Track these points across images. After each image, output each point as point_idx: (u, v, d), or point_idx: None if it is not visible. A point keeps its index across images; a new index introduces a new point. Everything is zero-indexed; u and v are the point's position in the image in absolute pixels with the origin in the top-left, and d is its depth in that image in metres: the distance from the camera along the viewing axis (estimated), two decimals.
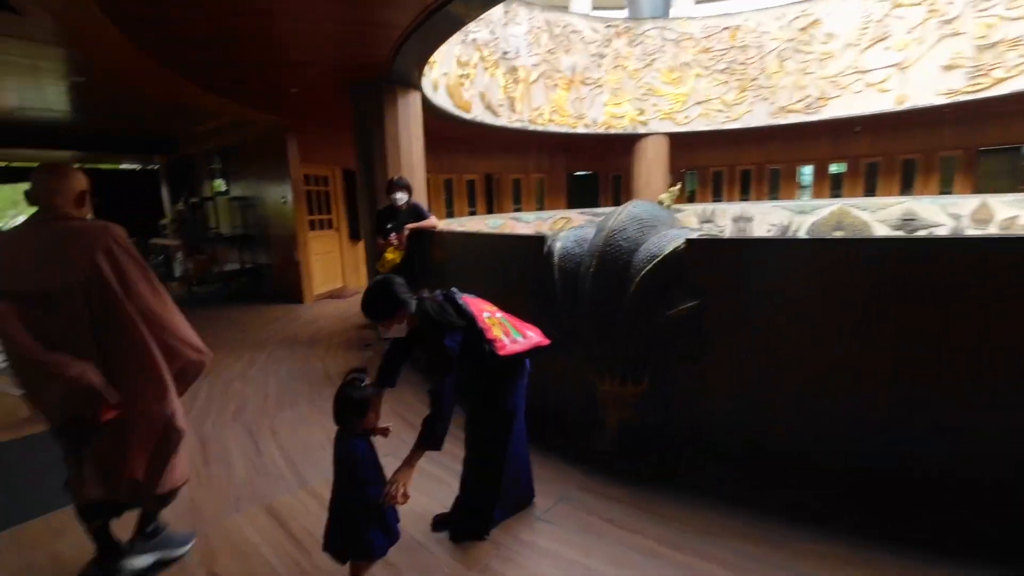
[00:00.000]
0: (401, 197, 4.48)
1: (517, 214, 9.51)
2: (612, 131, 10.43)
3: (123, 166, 11.52)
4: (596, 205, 12.47)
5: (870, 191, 10.54)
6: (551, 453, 2.84)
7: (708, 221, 9.50)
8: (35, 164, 9.57)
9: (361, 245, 9.00)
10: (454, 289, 2.16)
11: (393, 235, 4.40)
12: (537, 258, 3.06)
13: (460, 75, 7.80)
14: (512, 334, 2.10)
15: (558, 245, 2.97)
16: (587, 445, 2.88)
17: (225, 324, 6.52)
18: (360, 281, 9.03)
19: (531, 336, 2.16)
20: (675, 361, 2.65)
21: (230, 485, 2.67)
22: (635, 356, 2.67)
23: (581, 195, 13.10)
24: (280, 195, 7.59)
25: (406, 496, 1.78)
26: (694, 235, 2.59)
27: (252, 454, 3.01)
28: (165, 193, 10.39)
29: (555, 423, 3.13)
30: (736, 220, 9.38)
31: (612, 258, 2.63)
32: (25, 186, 1.89)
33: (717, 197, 11.92)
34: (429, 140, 5.98)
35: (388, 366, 2.12)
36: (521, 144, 11.61)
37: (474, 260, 3.91)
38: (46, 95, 6.35)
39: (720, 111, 10.23)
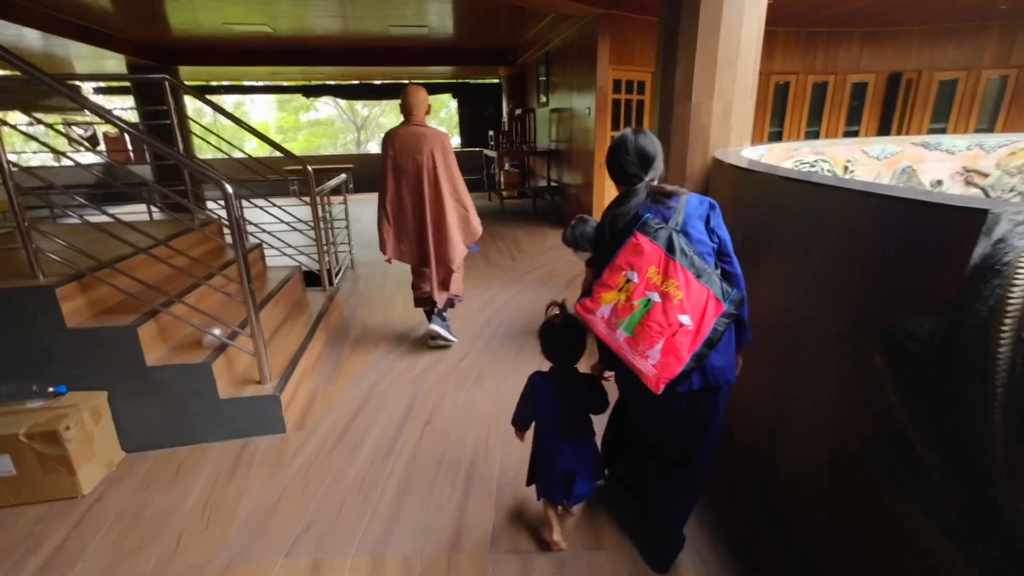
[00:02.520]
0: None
1: (934, 138, 5.84)
2: None
3: (484, 80, 12.70)
4: None
5: None
6: None
7: None
8: (410, 81, 11.35)
9: None
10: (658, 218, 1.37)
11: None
12: (937, 259, 1.06)
13: None
14: (622, 323, 1.30)
15: None
16: None
17: (506, 243, 6.27)
18: None
19: (640, 354, 1.28)
20: None
21: (323, 498, 2.01)
22: None
23: None
24: (586, 105, 6.59)
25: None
26: None
27: (384, 445, 2.31)
28: (504, 105, 10.92)
29: None
30: None
31: None
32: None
33: None
34: (791, 25, 3.72)
35: None
36: (970, 20, 7.03)
37: (784, 231, 1.96)
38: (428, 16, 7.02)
39: None
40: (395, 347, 3.38)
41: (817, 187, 1.71)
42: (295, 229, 3.86)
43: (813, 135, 7.92)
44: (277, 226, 3.85)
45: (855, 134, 7.97)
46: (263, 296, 3.18)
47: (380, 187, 3.00)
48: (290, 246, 3.91)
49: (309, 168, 3.59)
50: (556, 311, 1.65)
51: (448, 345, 3.32)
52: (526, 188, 9.01)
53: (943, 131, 7.90)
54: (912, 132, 7.84)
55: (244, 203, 3.91)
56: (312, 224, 3.72)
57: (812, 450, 1.63)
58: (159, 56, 8.69)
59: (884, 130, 7.88)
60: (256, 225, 3.89)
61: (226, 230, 3.70)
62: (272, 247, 3.85)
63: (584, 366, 1.71)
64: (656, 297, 1.29)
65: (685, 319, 1.28)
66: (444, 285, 3.17)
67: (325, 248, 4.00)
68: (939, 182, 5.90)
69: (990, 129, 7.80)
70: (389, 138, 2.93)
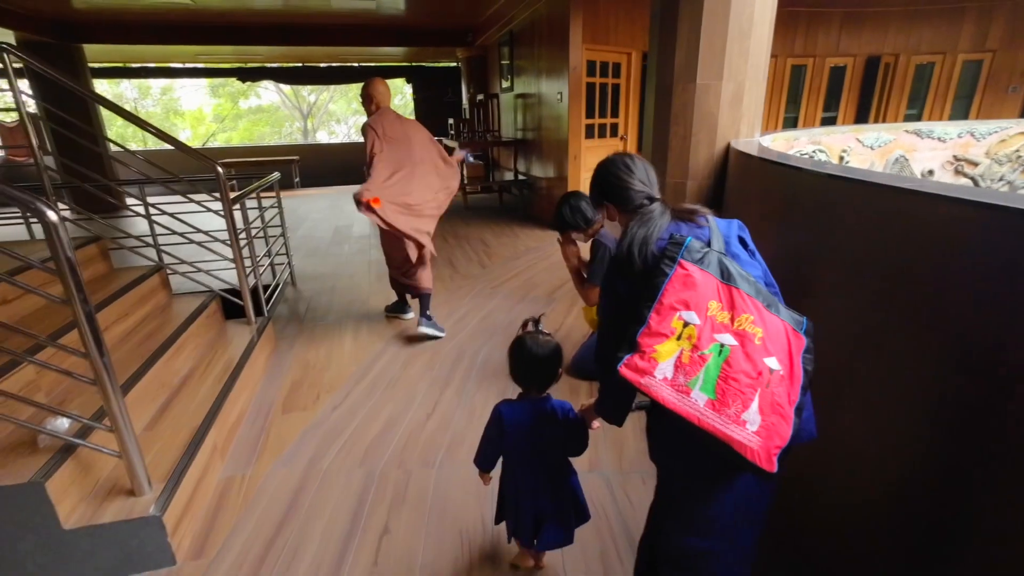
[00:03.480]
0: None
1: (926, 125, 5.50)
2: None
3: (440, 63, 11.80)
4: None
5: None
6: None
7: None
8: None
9: None
10: (691, 235, 1.09)
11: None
12: None
13: None
14: (694, 382, 0.96)
15: None
16: None
17: (473, 246, 5.57)
18: None
19: (734, 420, 0.94)
20: None
21: None
22: None
23: None
24: (556, 90, 5.91)
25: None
26: None
27: None
28: (464, 91, 10.10)
29: None
30: None
31: None
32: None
33: None
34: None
35: None
36: (947, 2, 6.78)
37: (854, 249, 1.36)
38: None
39: None
40: (344, 397, 2.65)
41: (907, 194, 1.13)
42: (195, 243, 3.03)
43: (791, 122, 7.55)
44: (198, 236, 3.02)
45: (832, 120, 7.65)
46: (158, 343, 2.39)
47: (369, 170, 3.00)
48: (197, 267, 3.08)
49: (219, 168, 2.77)
50: (531, 328, 1.46)
51: (437, 337, 3.36)
52: (491, 182, 8.29)
53: (918, 117, 7.69)
54: (889, 118, 7.59)
55: (153, 209, 3.06)
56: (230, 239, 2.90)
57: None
58: (58, 31, 7.40)
59: (862, 116, 7.59)
60: (143, 241, 3.05)
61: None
62: (174, 270, 3.02)
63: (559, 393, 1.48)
64: (730, 339, 0.99)
65: (773, 362, 0.99)
66: (422, 259, 3.31)
67: (250, 268, 3.20)
68: (930, 172, 5.58)
69: (964, 115, 7.64)
70: (377, 120, 3.05)
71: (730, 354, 0.97)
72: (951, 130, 5.46)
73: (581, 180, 6.01)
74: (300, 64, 11.19)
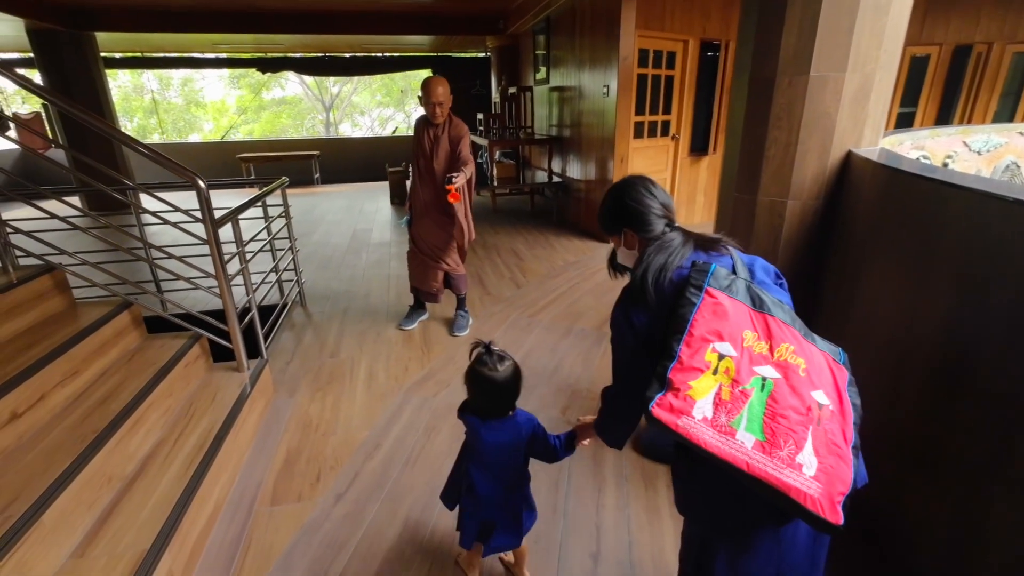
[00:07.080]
0: None
1: None
2: None
3: (469, 54, 11.15)
4: None
5: None
6: None
7: None
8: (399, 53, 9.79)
9: (704, 163, 6.05)
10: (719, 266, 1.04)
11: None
12: None
13: None
14: (738, 421, 0.85)
15: None
16: None
17: (504, 259, 4.93)
18: (695, 217, 6.23)
19: (788, 463, 0.81)
20: None
21: None
22: None
23: None
24: (602, 83, 5.22)
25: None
26: None
27: None
28: (494, 83, 9.43)
29: None
30: None
31: None
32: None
33: None
34: None
35: None
36: None
37: None
38: None
39: None
40: (350, 481, 2.05)
41: None
42: (168, 272, 2.47)
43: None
44: (189, 249, 2.48)
45: (910, 117, 6.77)
46: (111, 414, 1.83)
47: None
48: (177, 303, 2.52)
49: (200, 181, 2.20)
50: (482, 351, 1.35)
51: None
52: (522, 183, 7.63)
53: (1009, 117, 6.75)
54: (976, 117, 6.68)
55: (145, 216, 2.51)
56: (232, 258, 2.33)
57: None
58: (69, 19, 7.01)
59: (945, 113, 6.69)
60: (108, 272, 2.50)
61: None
62: (146, 306, 2.48)
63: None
64: (772, 372, 0.89)
65: (821, 396, 0.88)
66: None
67: (243, 298, 2.64)
68: None
69: None
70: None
71: (774, 388, 0.87)
72: None
73: None
74: (323, 54, 10.68)
